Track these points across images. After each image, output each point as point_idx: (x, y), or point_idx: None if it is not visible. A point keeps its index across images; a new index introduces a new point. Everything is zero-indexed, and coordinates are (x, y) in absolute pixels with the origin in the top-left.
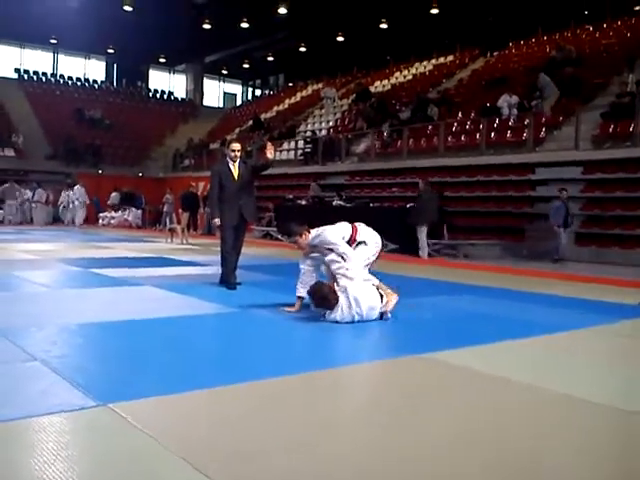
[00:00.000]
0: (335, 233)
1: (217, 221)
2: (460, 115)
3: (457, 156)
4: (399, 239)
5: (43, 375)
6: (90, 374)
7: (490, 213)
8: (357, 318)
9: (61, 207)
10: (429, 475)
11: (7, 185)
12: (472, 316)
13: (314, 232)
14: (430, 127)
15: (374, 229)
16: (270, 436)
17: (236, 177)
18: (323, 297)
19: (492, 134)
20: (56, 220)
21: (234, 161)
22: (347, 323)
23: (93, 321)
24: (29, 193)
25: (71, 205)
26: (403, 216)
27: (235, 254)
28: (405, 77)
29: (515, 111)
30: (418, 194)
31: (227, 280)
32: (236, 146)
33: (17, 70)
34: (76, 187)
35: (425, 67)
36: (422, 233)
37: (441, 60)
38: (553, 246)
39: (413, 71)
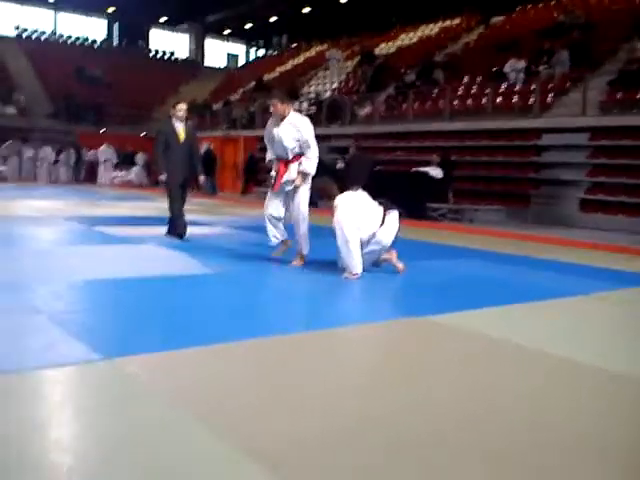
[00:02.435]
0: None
1: (163, 177)
2: (466, 79)
3: (463, 120)
4: (403, 203)
5: (49, 329)
6: (95, 328)
7: (495, 178)
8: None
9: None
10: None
11: (9, 143)
12: (473, 279)
13: (299, 116)
14: (436, 90)
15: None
16: (268, 395)
17: (181, 138)
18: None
19: (498, 99)
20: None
21: (180, 121)
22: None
23: (98, 278)
24: (32, 151)
25: (102, 165)
26: (407, 181)
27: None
28: (411, 40)
29: (522, 76)
30: (349, 157)
31: (178, 231)
32: (182, 106)
33: (17, 28)
34: (103, 146)
35: (431, 30)
36: None
37: (447, 23)
38: None
39: (419, 34)
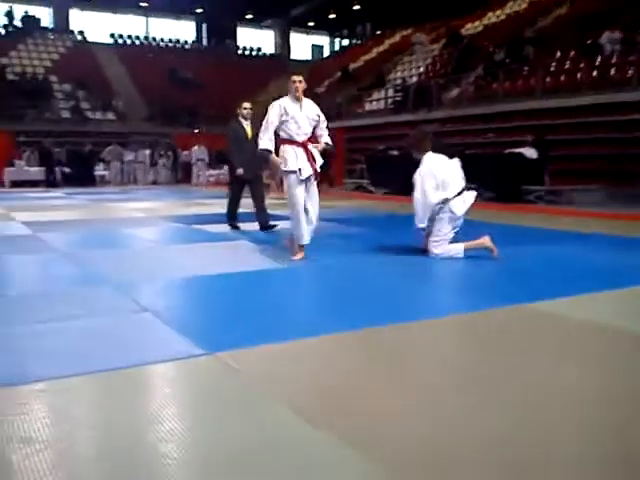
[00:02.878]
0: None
1: (241, 171)
2: (558, 54)
3: (556, 97)
4: (495, 186)
5: (155, 325)
6: (197, 324)
7: (593, 156)
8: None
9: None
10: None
11: (111, 147)
12: (576, 263)
13: (315, 105)
14: (526, 68)
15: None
16: (370, 389)
17: (250, 136)
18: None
19: (594, 73)
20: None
21: (246, 119)
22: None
23: (197, 274)
24: (132, 154)
25: (196, 166)
26: (499, 163)
27: (257, 205)
28: (498, 17)
29: (619, 47)
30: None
31: (263, 224)
32: (247, 105)
33: (112, 35)
34: (196, 147)
35: (520, 6)
36: None
37: None
38: None
39: (507, 11)
